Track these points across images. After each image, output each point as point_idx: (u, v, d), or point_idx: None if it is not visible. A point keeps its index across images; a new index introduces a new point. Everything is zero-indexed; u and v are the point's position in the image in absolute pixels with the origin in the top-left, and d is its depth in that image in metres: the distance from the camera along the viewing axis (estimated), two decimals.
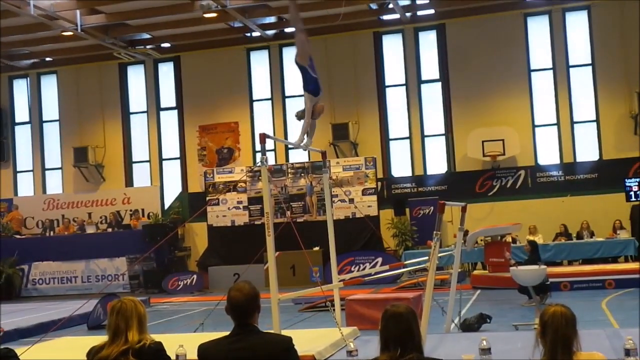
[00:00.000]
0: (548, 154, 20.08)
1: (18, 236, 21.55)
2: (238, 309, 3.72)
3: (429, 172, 20.72)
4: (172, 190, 22.38)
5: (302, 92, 8.50)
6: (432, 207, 18.92)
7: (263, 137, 7.81)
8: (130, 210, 21.85)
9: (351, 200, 18.85)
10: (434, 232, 8.05)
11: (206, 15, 19.22)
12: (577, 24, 20.20)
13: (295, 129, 8.82)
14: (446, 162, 20.62)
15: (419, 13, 20.88)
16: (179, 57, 22.44)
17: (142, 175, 22.76)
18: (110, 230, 21.36)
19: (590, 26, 19.97)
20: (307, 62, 8.33)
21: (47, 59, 23.00)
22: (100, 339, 3.91)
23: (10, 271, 19.77)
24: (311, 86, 8.33)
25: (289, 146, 21.12)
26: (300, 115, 8.55)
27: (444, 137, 20.70)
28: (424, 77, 21.04)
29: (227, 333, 3.77)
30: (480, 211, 18.78)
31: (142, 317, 3.83)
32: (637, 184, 18.17)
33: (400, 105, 21.08)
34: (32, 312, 14.41)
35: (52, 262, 20.26)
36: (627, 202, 18.23)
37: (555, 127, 20.07)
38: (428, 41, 21.16)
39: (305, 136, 8.59)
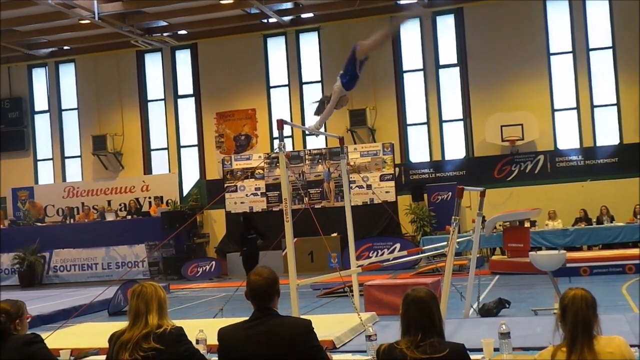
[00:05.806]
0: (567, 139, 19.90)
1: (39, 224, 21.81)
2: (258, 293, 3.74)
3: (447, 158, 20.64)
4: (191, 177, 22.50)
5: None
6: (450, 193, 18.83)
7: (281, 123, 7.79)
8: (149, 198, 22.01)
9: (369, 186, 18.81)
10: (453, 217, 8.03)
11: (222, 2, 19.21)
12: (598, 6, 19.91)
13: (312, 115, 8.66)
14: (464, 147, 20.52)
15: None
16: (196, 44, 22.47)
17: (160, 163, 22.89)
18: (129, 217, 21.51)
19: (610, 8, 19.70)
20: (362, 58, 8.20)
21: (65, 47, 23.11)
22: (121, 324, 3.95)
23: (32, 258, 20.01)
24: (349, 80, 8.14)
25: (306, 132, 21.10)
26: (323, 100, 8.46)
27: (462, 122, 20.58)
28: (441, 62, 20.90)
29: (247, 318, 3.79)
30: (499, 196, 18.66)
31: (162, 301, 3.86)
32: None
33: (418, 90, 20.96)
34: (53, 299, 14.55)
35: (73, 250, 20.43)
36: None
37: (575, 111, 19.87)
38: (446, 26, 20.99)
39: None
